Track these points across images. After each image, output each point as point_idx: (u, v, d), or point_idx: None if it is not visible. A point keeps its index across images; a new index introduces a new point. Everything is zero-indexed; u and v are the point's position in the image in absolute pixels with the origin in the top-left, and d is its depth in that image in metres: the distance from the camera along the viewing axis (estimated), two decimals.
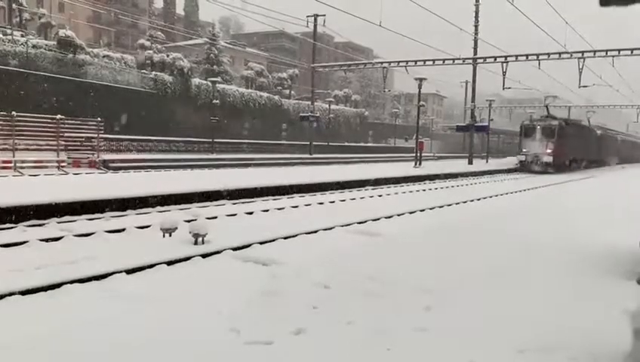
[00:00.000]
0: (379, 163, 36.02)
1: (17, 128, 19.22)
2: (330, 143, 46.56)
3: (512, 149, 50.18)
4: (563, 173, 31.68)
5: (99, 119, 22.20)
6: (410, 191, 18.08)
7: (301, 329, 3.93)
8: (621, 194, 16.98)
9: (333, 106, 54.17)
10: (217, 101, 36.42)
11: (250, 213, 11.40)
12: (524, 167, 33.01)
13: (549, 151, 32.31)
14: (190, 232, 7.74)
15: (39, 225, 9.06)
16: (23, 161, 18.89)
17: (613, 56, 30.76)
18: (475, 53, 36.11)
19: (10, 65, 29.85)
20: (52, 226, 9.07)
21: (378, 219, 10.75)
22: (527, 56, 32.73)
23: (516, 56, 33.09)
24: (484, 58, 35.35)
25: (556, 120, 33.63)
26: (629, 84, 46.83)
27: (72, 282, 5.45)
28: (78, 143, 21.54)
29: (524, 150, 33.51)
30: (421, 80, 30.33)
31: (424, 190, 18.94)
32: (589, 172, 35.06)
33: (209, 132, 33.23)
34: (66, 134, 20.81)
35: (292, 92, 57.46)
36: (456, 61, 34.82)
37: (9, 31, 35.64)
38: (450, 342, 3.76)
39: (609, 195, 16.20)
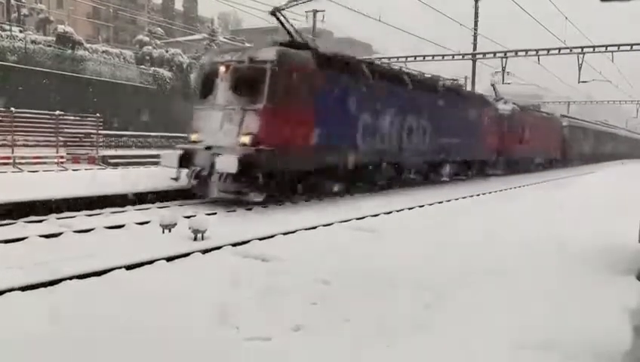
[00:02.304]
0: None
1: (16, 124, 19.16)
2: None
3: None
4: (281, 206, 12.01)
5: (98, 115, 22.14)
6: None
7: (300, 326, 3.94)
8: None
9: None
10: None
11: (250, 209, 11.41)
12: (195, 189, 11.79)
13: (245, 140, 11.06)
14: (190, 228, 7.74)
15: (38, 221, 9.06)
16: (22, 157, 18.85)
17: (612, 52, 30.68)
18: (475, 48, 36.05)
19: (8, 61, 29.76)
20: (51, 222, 9.07)
21: (377, 216, 10.77)
22: (526, 51, 32.63)
23: (516, 51, 32.99)
24: (484, 53, 35.25)
25: (277, 48, 12.44)
26: (628, 79, 46.77)
27: (71, 278, 5.44)
28: (77, 139, 21.50)
29: (192, 137, 12.16)
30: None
31: None
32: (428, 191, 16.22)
33: None
34: (65, 130, 20.76)
35: None
36: (455, 57, 34.73)
37: (7, 26, 35.51)
38: (450, 338, 3.77)
39: None
